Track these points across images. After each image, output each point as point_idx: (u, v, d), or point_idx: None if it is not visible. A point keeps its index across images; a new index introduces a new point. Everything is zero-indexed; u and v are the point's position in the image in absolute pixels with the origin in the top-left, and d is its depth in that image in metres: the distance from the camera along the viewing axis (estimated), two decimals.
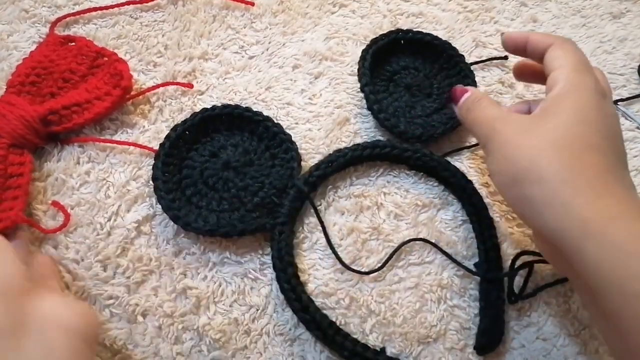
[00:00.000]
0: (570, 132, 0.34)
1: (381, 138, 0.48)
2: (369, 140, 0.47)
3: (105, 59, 0.47)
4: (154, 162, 0.44)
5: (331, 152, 0.46)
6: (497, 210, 0.45)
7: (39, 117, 0.43)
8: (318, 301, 0.42)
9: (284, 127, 0.47)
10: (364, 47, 0.49)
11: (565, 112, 0.35)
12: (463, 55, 0.50)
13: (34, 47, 0.50)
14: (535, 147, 0.34)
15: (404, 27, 0.51)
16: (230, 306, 0.42)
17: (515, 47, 0.41)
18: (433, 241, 0.44)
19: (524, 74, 0.44)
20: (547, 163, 0.33)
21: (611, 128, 0.36)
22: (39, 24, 0.51)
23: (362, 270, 0.43)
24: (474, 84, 0.49)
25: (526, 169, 0.34)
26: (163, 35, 0.52)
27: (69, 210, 0.44)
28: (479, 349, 0.41)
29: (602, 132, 0.35)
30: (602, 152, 0.34)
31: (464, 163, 0.47)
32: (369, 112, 0.48)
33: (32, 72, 0.45)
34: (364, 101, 0.48)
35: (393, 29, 0.51)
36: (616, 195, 0.32)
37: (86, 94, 0.45)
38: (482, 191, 0.46)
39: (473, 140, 0.48)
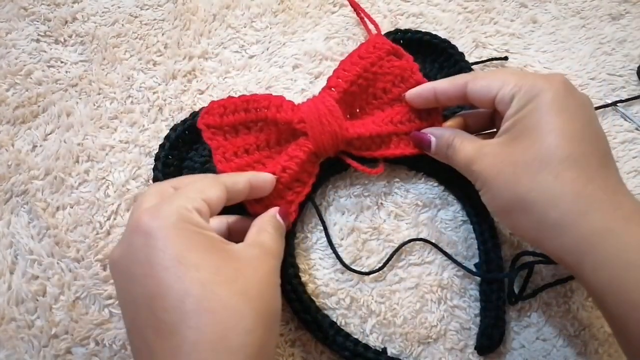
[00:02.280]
0: (541, 150, 0.34)
1: None
2: None
3: None
4: (154, 162, 0.43)
5: None
6: None
7: (346, 140, 0.41)
8: (318, 301, 0.42)
9: None
10: None
11: (533, 129, 0.34)
12: (462, 53, 0.50)
13: (32, 45, 0.50)
14: (514, 176, 0.34)
15: (404, 28, 0.51)
16: None
17: (426, 102, 0.42)
18: (433, 241, 0.44)
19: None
20: (528, 190, 0.33)
21: (586, 119, 0.35)
22: (37, 21, 0.51)
23: (363, 270, 0.43)
24: None
25: (511, 201, 0.34)
26: (163, 34, 0.51)
27: (67, 209, 0.44)
28: (480, 349, 0.41)
29: (577, 133, 0.34)
30: (581, 159, 0.33)
31: None
32: None
33: (357, 81, 0.42)
34: None
35: (393, 29, 0.51)
36: (602, 207, 0.32)
37: (390, 126, 0.43)
38: None
39: None
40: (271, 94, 0.41)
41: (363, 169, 0.43)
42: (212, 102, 0.41)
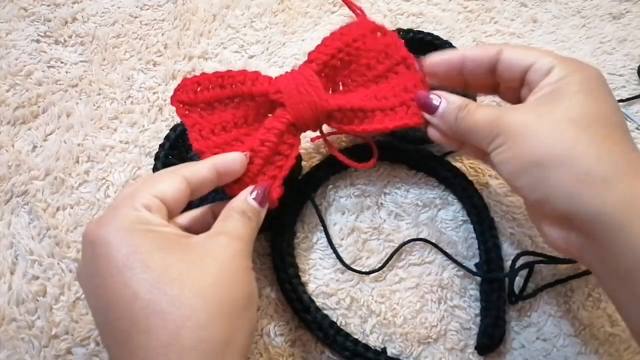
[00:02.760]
0: (589, 110, 0.33)
1: (381, 138, 0.48)
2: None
3: (407, 70, 0.40)
4: (154, 162, 0.43)
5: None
6: (497, 211, 0.45)
7: (326, 111, 0.39)
8: (318, 301, 0.42)
9: None
10: None
11: (576, 93, 0.33)
12: None
13: (32, 46, 0.50)
14: (556, 129, 0.32)
15: (404, 27, 0.51)
16: None
17: (449, 68, 0.39)
18: (433, 241, 0.44)
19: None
20: (573, 143, 0.32)
21: (618, 105, 0.35)
22: (37, 22, 0.51)
23: (363, 270, 0.43)
24: None
25: (548, 153, 0.32)
26: (163, 34, 0.52)
27: (67, 210, 0.44)
28: (480, 349, 0.41)
29: (616, 110, 0.34)
30: (622, 129, 0.33)
31: (464, 163, 0.47)
32: None
33: (338, 55, 0.40)
34: None
35: (393, 28, 0.50)
36: None
37: (374, 101, 0.40)
38: (483, 191, 0.46)
39: None
40: (246, 70, 0.39)
41: (350, 163, 0.41)
42: (185, 78, 0.39)
